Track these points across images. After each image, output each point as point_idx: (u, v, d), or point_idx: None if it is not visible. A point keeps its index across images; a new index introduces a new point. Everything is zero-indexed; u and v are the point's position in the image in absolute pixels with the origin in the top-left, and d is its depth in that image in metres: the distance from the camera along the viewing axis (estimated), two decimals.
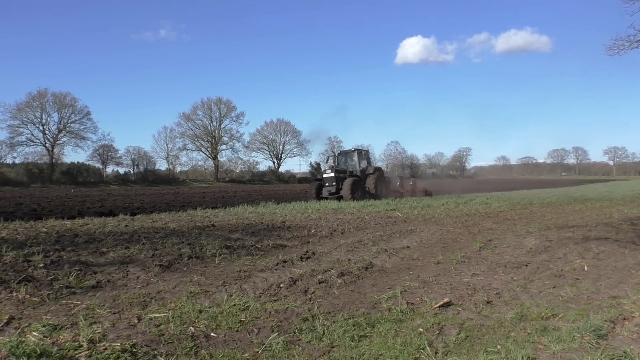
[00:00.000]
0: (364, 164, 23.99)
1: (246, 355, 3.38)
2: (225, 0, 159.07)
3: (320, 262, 6.66)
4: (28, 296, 4.54)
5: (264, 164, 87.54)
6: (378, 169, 24.53)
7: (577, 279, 5.66)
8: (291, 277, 5.60)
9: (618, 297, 4.77)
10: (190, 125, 76.52)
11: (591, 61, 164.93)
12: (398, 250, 7.67)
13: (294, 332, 3.83)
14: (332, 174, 22.08)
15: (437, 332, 3.87)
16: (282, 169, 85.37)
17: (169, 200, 23.00)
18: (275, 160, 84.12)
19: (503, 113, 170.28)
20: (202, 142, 77.39)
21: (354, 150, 24.53)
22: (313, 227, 10.66)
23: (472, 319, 4.21)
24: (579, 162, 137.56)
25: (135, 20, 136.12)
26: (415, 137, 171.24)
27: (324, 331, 3.84)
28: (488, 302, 4.72)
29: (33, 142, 61.56)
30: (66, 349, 3.20)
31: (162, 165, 75.80)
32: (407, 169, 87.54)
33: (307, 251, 7.37)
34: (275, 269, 6.13)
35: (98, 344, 3.32)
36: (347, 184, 21.16)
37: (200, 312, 4.22)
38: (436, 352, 3.43)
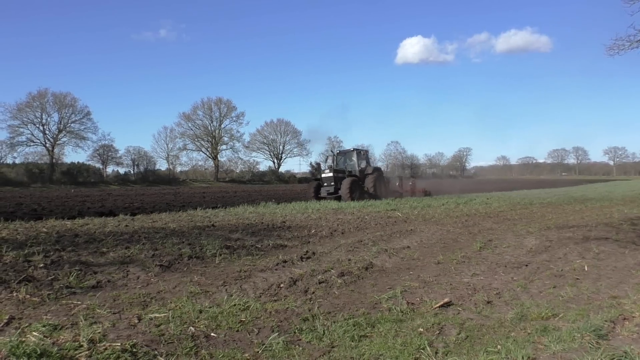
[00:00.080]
0: (363, 164, 23.96)
1: (246, 355, 3.38)
2: (225, 0, 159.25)
3: (321, 262, 6.66)
4: (28, 296, 4.54)
5: (264, 164, 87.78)
6: (377, 169, 24.50)
7: (577, 279, 5.66)
8: (291, 277, 5.60)
9: (618, 297, 4.77)
10: (190, 125, 76.68)
11: (591, 61, 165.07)
12: (398, 250, 7.67)
13: (294, 332, 3.83)
14: (331, 174, 22.05)
15: (438, 332, 3.87)
16: (282, 169, 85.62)
17: (169, 200, 23.00)
18: (275, 160, 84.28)
19: (503, 113, 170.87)
20: (202, 142, 77.51)
21: (353, 150, 24.50)
22: (313, 227, 10.66)
23: (472, 319, 4.21)
24: (579, 162, 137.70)
25: (135, 20, 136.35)
26: (416, 137, 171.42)
27: (324, 331, 3.84)
28: (488, 302, 4.72)
29: (33, 142, 61.74)
30: (66, 349, 3.20)
31: (162, 165, 75.98)
32: (407, 169, 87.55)
33: (307, 251, 7.37)
34: (276, 269, 6.13)
35: (98, 344, 3.32)
36: (345, 184, 21.13)
37: (201, 312, 4.22)
38: (436, 352, 3.43)
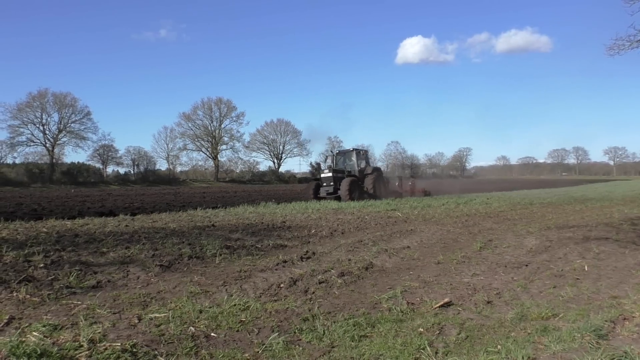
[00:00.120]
0: (362, 164, 23.95)
1: (246, 355, 3.38)
2: (225, 0, 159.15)
3: (321, 262, 6.66)
4: (28, 296, 4.54)
5: (264, 164, 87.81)
6: (376, 169, 24.49)
7: (578, 279, 5.66)
8: (291, 277, 5.60)
9: (618, 297, 4.76)
10: (190, 125, 76.70)
11: (591, 61, 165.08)
12: (398, 250, 7.67)
13: (294, 332, 3.83)
14: (330, 174, 22.03)
15: (438, 332, 3.87)
16: (282, 169, 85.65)
17: (169, 200, 23.00)
18: (275, 160, 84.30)
19: (503, 113, 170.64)
20: (203, 142, 77.53)
21: (352, 150, 24.48)
22: (313, 227, 10.66)
23: (472, 319, 4.21)
24: (579, 162, 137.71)
25: (135, 20, 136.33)
26: (416, 137, 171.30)
27: (324, 331, 3.84)
28: (488, 302, 4.72)
29: (33, 142, 61.77)
30: (66, 349, 3.20)
31: (162, 165, 76.01)
32: (408, 169, 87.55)
33: (307, 251, 7.37)
34: (276, 269, 6.13)
35: (98, 344, 3.32)
36: (344, 184, 21.11)
37: (201, 312, 4.22)
38: (436, 352, 3.42)
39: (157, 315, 4.07)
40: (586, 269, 6.17)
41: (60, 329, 3.64)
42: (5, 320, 3.81)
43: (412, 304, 4.69)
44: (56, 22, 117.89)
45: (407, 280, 5.70)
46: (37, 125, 61.36)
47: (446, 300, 4.70)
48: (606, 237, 8.82)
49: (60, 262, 6.15)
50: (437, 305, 4.57)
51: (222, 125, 77.93)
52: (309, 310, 4.38)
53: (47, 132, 62.07)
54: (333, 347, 3.58)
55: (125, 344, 3.33)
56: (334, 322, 4.07)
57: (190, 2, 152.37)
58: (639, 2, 8.88)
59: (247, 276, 5.72)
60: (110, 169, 69.11)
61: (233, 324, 3.95)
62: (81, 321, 3.77)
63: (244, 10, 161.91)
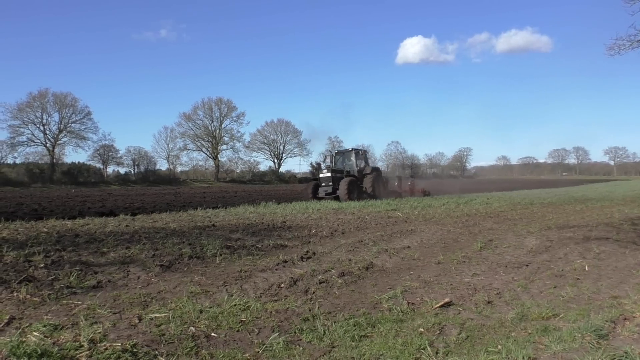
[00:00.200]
0: (361, 164, 23.91)
1: (247, 355, 3.38)
2: (225, 0, 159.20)
3: (321, 262, 6.66)
4: (29, 296, 4.55)
5: (265, 164, 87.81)
6: (376, 169, 24.45)
7: (578, 279, 5.66)
8: (292, 277, 5.60)
9: (619, 297, 4.76)
10: (190, 125, 76.68)
11: (592, 61, 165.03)
12: (399, 250, 7.67)
13: (295, 332, 3.83)
14: (329, 174, 22.01)
15: (438, 332, 3.87)
16: (282, 169, 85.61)
17: (169, 200, 23.01)
18: (275, 160, 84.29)
19: (504, 113, 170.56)
20: (203, 142, 77.52)
21: (352, 150, 24.46)
22: (314, 227, 10.66)
23: (472, 319, 4.21)
24: (579, 162, 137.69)
25: (135, 20, 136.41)
26: (416, 137, 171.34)
27: (324, 331, 3.84)
28: (489, 302, 4.72)
29: (34, 142, 61.75)
30: (67, 349, 3.20)
31: (162, 165, 76.01)
32: (408, 169, 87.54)
33: (307, 251, 7.37)
34: (276, 269, 6.13)
35: (99, 344, 3.32)
36: (343, 184, 21.09)
37: (201, 312, 4.22)
38: (437, 352, 3.42)
39: (157, 315, 4.08)
40: (587, 269, 6.17)
41: (61, 329, 3.64)
42: (5, 320, 3.81)
43: (413, 304, 4.69)
44: (56, 22, 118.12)
45: (408, 280, 5.70)
46: (38, 125, 61.45)
47: (446, 300, 4.70)
48: (607, 237, 8.81)
49: (60, 262, 6.15)
50: (438, 305, 4.57)
51: (223, 125, 78.02)
52: (310, 310, 4.38)
53: (47, 132, 62.17)
54: (333, 347, 3.58)
55: (126, 344, 3.33)
56: (335, 322, 4.07)
57: (190, 2, 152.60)
58: (639, 2, 8.88)
59: (247, 276, 5.72)
60: (110, 169, 69.24)
61: (233, 324, 3.95)
62: (81, 321, 3.77)
63: (244, 10, 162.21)
